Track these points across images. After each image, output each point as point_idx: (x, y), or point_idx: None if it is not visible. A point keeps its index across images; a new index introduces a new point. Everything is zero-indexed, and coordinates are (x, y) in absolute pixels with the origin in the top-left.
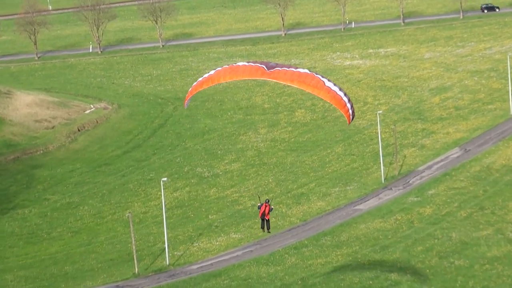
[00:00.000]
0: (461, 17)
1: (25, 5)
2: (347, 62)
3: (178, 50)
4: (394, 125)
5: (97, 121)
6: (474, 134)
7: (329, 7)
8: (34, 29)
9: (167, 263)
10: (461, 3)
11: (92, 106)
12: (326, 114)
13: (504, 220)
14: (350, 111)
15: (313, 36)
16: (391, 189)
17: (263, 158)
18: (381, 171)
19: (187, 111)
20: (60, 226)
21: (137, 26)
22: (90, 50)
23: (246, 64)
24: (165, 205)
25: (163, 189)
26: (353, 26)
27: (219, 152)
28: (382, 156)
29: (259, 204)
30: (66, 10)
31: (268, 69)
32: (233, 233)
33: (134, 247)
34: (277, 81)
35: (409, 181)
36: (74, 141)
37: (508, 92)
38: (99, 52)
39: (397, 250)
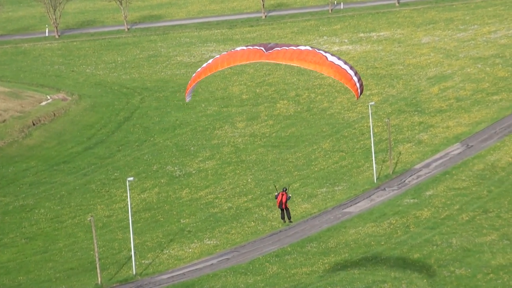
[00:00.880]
0: None
1: None
2: (335, 48)
3: (146, 34)
4: (388, 118)
5: (54, 114)
6: (477, 128)
7: None
8: None
9: (134, 272)
10: None
11: (48, 97)
12: (311, 105)
13: (511, 224)
14: (358, 85)
15: (297, 18)
16: (384, 189)
17: (241, 155)
18: (373, 169)
19: (155, 102)
20: (12, 231)
21: (100, 7)
22: (47, 34)
23: (245, 48)
24: (131, 208)
25: (129, 190)
26: (342, 7)
27: (192, 148)
28: (375, 152)
29: (275, 194)
30: None
31: (267, 50)
32: (207, 239)
33: (96, 254)
34: (277, 62)
35: (404, 181)
36: (28, 137)
37: None
38: (57, 37)
39: (391, 257)
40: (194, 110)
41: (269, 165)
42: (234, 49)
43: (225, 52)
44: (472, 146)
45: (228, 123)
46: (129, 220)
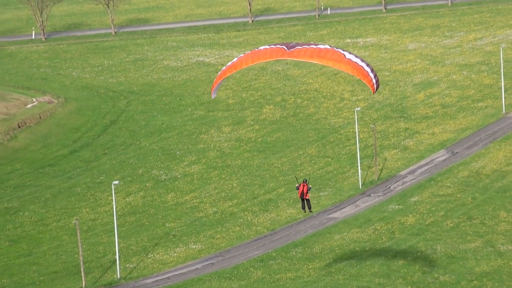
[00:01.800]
0: (449, 3)
1: None
2: None
3: (133, 38)
4: (374, 124)
5: (40, 117)
6: (463, 135)
7: None
8: None
9: (118, 276)
10: None
11: (34, 100)
12: (297, 111)
13: (495, 231)
14: (374, 81)
15: (283, 23)
16: (369, 195)
17: (227, 159)
18: (358, 175)
19: (141, 106)
20: None
21: (87, 11)
22: (33, 37)
23: (267, 47)
24: (116, 212)
25: (115, 193)
26: (328, 12)
27: (177, 152)
28: (360, 158)
29: (297, 185)
30: None
31: (288, 49)
32: (192, 244)
33: (81, 258)
34: (298, 59)
35: (389, 187)
36: (14, 139)
37: (500, 88)
38: (43, 39)
39: (375, 263)
40: (180, 114)
41: (254, 170)
42: (258, 48)
43: (249, 51)
44: (457, 153)
45: (214, 128)
46: (114, 223)
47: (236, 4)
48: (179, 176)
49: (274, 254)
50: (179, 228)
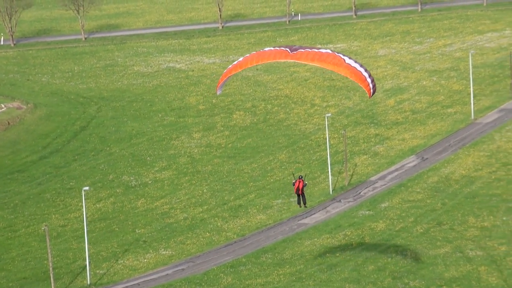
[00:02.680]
0: (419, 9)
1: None
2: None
3: (103, 44)
4: (344, 130)
5: (8, 123)
6: (432, 140)
7: None
8: None
9: (88, 282)
10: None
11: (3, 106)
12: (268, 117)
13: (464, 236)
14: (371, 85)
15: (254, 29)
16: (340, 201)
17: (197, 165)
18: (329, 181)
19: (112, 112)
20: None
21: (56, 16)
22: (1, 43)
23: (272, 48)
24: (86, 218)
25: (85, 199)
26: (299, 18)
27: (148, 158)
28: (331, 164)
29: (293, 181)
30: None
31: (292, 51)
32: (163, 250)
33: (50, 264)
34: (300, 62)
35: (360, 193)
36: None
37: (469, 94)
38: (12, 45)
39: (346, 269)
40: (150, 120)
41: (224, 176)
42: (263, 49)
43: (254, 52)
44: (427, 158)
45: (184, 134)
46: (84, 229)
47: (206, 10)
48: (150, 182)
49: (244, 260)
50: (149, 234)
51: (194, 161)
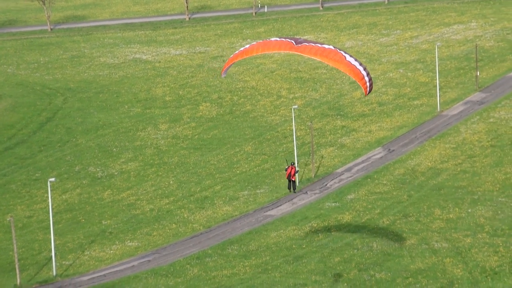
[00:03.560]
0: (386, 1)
1: None
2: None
3: (69, 35)
4: (311, 122)
5: None
6: (399, 132)
7: None
8: None
9: (54, 273)
10: None
11: None
12: (234, 108)
13: (429, 228)
14: (368, 84)
15: (220, 21)
16: (306, 193)
17: (164, 157)
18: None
19: (78, 103)
20: None
21: (22, 7)
22: None
23: (278, 39)
24: (52, 209)
25: (51, 190)
26: (266, 10)
27: (114, 149)
28: (297, 156)
29: (286, 167)
30: None
31: (296, 44)
32: (129, 241)
33: (16, 255)
34: (303, 55)
35: (326, 184)
36: None
37: (435, 86)
38: None
39: (312, 261)
40: (117, 111)
41: (191, 167)
42: (268, 38)
43: (261, 40)
44: (393, 150)
45: (151, 125)
46: (50, 221)
47: (173, 1)
48: (116, 173)
49: (210, 252)
50: (116, 226)
51: (160, 152)
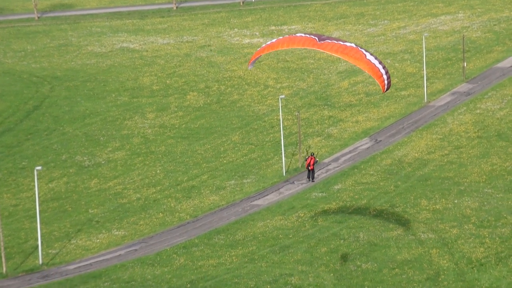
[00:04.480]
0: None
1: None
2: (246, 40)
3: (56, 23)
4: (298, 112)
5: None
6: (386, 123)
7: None
8: None
9: (40, 262)
10: None
11: None
12: (221, 98)
13: (416, 219)
14: (386, 82)
15: (208, 10)
16: (293, 183)
17: (151, 146)
18: (282, 162)
19: (65, 92)
20: None
21: None
22: None
23: (303, 35)
24: (39, 197)
25: (37, 179)
26: (253, 0)
27: (101, 138)
28: (284, 146)
29: (306, 157)
30: None
31: (320, 40)
32: (115, 230)
33: (2, 244)
34: (326, 52)
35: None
36: None
37: (422, 77)
38: None
39: (298, 251)
40: (104, 100)
41: (178, 157)
42: (294, 34)
43: (287, 36)
44: (380, 141)
45: (138, 114)
46: (36, 209)
47: None
48: (103, 162)
49: (197, 241)
50: (102, 215)
51: (147, 141)
